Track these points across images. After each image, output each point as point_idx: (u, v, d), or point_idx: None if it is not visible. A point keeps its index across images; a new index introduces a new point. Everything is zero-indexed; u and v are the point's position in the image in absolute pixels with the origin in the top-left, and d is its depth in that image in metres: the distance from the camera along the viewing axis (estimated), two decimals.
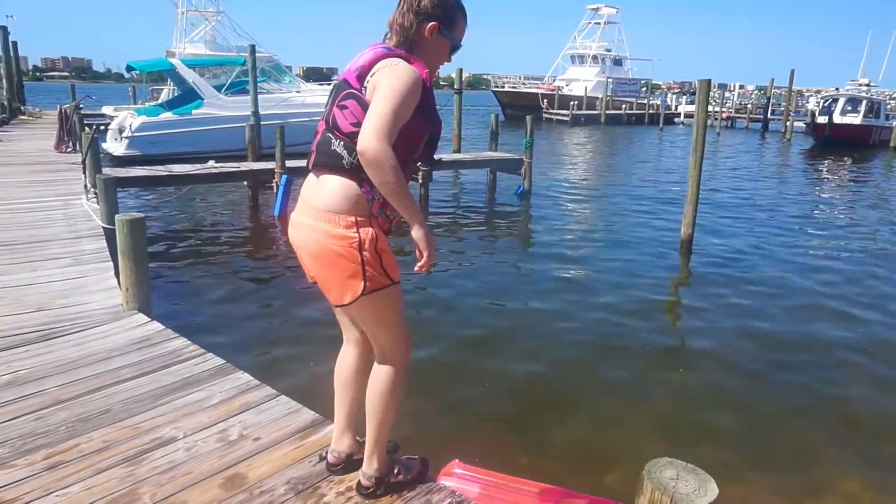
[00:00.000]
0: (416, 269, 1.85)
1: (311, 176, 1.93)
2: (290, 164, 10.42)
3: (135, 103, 22.84)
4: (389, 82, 1.72)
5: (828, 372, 5.18)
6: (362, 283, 1.82)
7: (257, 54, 15.89)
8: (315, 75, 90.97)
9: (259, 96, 15.53)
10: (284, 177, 10.12)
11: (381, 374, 2.01)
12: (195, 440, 2.45)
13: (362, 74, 1.80)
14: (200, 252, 8.27)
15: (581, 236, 9.72)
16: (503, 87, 47.32)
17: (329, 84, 27.85)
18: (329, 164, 1.83)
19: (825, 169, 21.62)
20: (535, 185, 12.96)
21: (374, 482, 2.09)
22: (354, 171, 1.78)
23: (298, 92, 20.03)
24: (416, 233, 1.81)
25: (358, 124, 1.74)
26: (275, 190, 10.25)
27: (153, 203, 11.14)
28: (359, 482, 2.12)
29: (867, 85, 34.53)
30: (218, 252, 8.31)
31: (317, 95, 20.77)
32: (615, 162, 21.54)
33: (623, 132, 35.55)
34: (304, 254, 1.93)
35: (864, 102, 29.03)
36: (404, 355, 2.01)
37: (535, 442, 3.90)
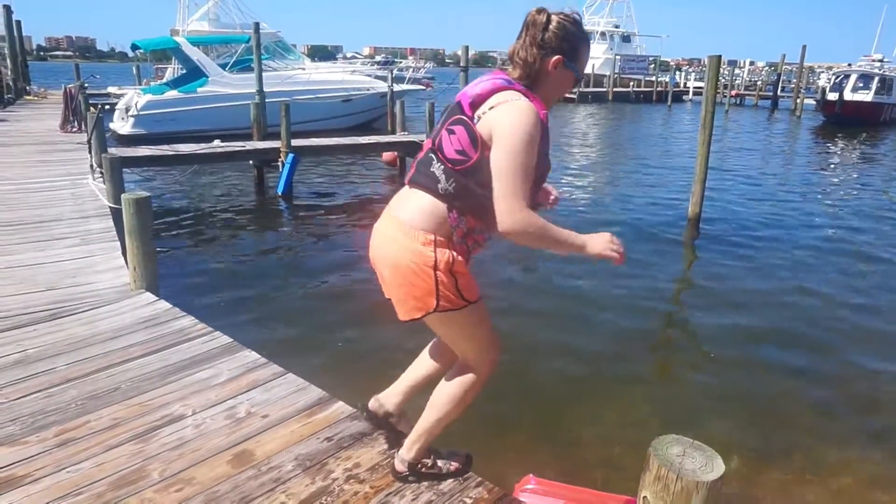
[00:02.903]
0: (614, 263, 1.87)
1: (404, 188, 1.89)
2: (295, 142, 10.39)
3: (139, 82, 22.75)
4: (511, 133, 1.66)
5: (836, 349, 5.16)
6: (436, 301, 1.77)
7: (262, 31, 15.76)
8: (320, 53, 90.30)
9: (264, 74, 15.44)
10: (291, 155, 10.09)
11: (457, 378, 1.97)
12: (203, 417, 2.47)
13: (476, 103, 1.74)
14: (207, 231, 8.29)
15: (587, 215, 9.67)
16: None
17: (334, 62, 27.68)
18: (424, 184, 1.79)
19: (834, 147, 21.36)
20: None
21: (408, 467, 2.07)
22: (448, 197, 1.75)
23: (303, 69, 19.91)
24: (593, 252, 1.81)
25: (462, 152, 1.72)
26: (280, 168, 10.23)
27: (159, 182, 11.15)
28: (393, 466, 2.11)
29: (880, 61, 33.92)
30: (224, 231, 8.32)
31: (322, 73, 20.64)
32: (622, 140, 21.36)
33: (631, 110, 35.19)
34: (380, 265, 1.87)
35: (877, 79, 28.56)
36: (487, 367, 1.96)
37: (570, 442, 3.88)
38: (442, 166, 1.75)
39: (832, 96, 28.48)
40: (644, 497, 1.84)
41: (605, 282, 6.48)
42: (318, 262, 7.04)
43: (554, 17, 1.78)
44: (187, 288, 5.85)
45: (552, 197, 2.09)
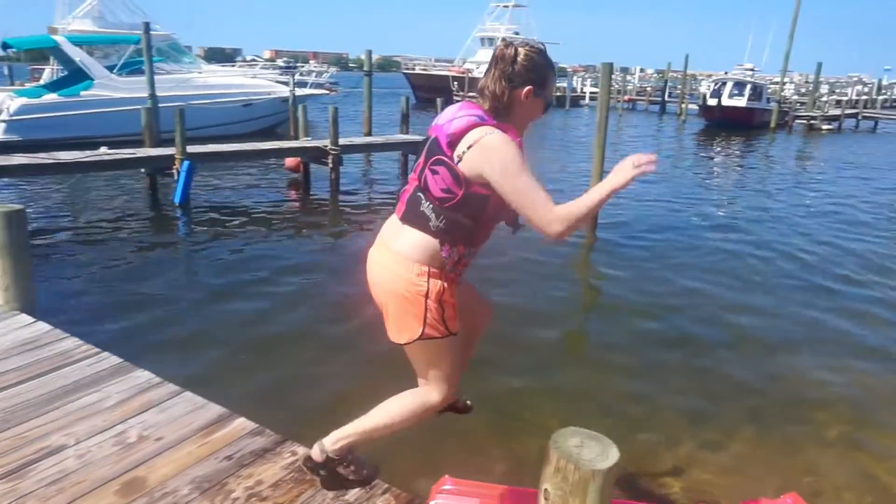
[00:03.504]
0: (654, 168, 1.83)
1: (394, 218, 1.98)
2: (191, 149, 9.89)
3: (12, 84, 20.88)
4: (503, 167, 1.76)
5: (719, 344, 5.57)
6: (421, 328, 1.88)
7: (153, 33, 14.93)
8: (217, 56, 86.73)
9: (156, 77, 14.63)
10: (186, 162, 9.61)
11: (410, 398, 2.03)
12: (88, 446, 2.29)
13: (453, 142, 1.82)
14: (93, 245, 7.72)
15: None
16: (414, 69, 47.06)
17: (233, 66, 26.69)
18: (416, 222, 1.89)
19: (715, 149, 23.12)
20: None
21: (325, 460, 2.02)
22: (439, 233, 1.86)
23: (200, 73, 19.07)
24: (625, 184, 1.77)
25: (448, 190, 1.82)
26: (175, 177, 9.72)
27: (37, 194, 10.28)
28: (308, 455, 2.06)
29: (751, 70, 37.02)
30: (113, 244, 7.79)
31: (219, 76, 19.85)
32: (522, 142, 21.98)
33: None
34: (375, 290, 1.99)
35: (749, 86, 31.10)
36: (447, 398, 2.04)
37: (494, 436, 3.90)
38: (430, 205, 1.85)
39: (712, 102, 30.70)
40: (545, 489, 1.89)
41: (505, 288, 6.62)
42: (219, 275, 6.74)
43: (521, 51, 1.88)
44: (71, 307, 5.43)
45: None
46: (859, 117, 35.32)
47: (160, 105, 13.71)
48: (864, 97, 43.23)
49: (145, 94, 13.94)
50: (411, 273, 1.86)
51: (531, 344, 5.27)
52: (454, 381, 2.03)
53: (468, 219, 1.85)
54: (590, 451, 1.87)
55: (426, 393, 2.02)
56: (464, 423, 3.88)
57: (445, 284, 1.88)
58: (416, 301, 1.86)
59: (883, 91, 50.63)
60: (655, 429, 4.03)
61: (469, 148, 1.79)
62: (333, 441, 2.04)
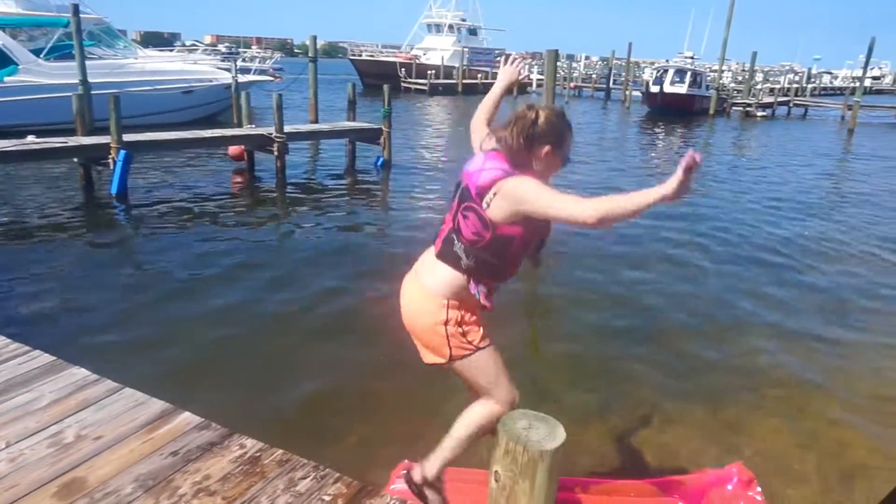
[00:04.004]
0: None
1: (431, 251, 2.21)
2: (127, 137, 9.49)
3: None
4: (525, 195, 1.95)
5: (667, 330, 5.76)
6: (448, 351, 2.13)
7: (83, 16, 14.19)
8: (154, 41, 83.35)
9: (89, 62, 13.95)
10: (123, 152, 9.21)
11: (478, 408, 2.23)
12: (20, 449, 2.18)
13: (482, 193, 2.02)
14: (22, 241, 7.33)
15: (439, 206, 9.89)
16: (361, 55, 46.41)
17: (171, 51, 25.73)
18: (448, 260, 2.12)
19: (658, 134, 23.77)
20: (394, 154, 12.93)
21: (421, 481, 2.28)
22: (470, 271, 2.08)
23: (136, 58, 18.30)
24: (672, 195, 1.77)
25: (478, 233, 2.04)
26: (111, 167, 9.31)
27: None
28: (412, 472, 2.33)
29: (691, 58, 38.11)
30: (44, 239, 7.42)
31: (157, 62, 19.11)
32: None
33: (479, 101, 36.37)
34: (406, 319, 2.23)
35: (689, 74, 32.04)
36: (503, 405, 2.18)
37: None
38: (462, 246, 2.07)
39: (654, 89, 31.49)
40: (496, 471, 1.93)
41: None
42: (160, 268, 6.52)
43: (542, 114, 2.07)
44: None
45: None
46: (791, 104, 36.92)
47: (93, 92, 13.08)
48: (796, 85, 45.23)
49: (76, 81, 13.28)
50: (435, 305, 2.10)
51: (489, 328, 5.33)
52: (511, 387, 2.22)
53: (495, 258, 2.05)
54: (537, 433, 1.91)
55: (489, 402, 2.22)
56: (426, 409, 3.92)
57: (463, 312, 2.10)
58: (436, 329, 2.10)
59: (812, 79, 53.10)
60: (603, 407, 4.14)
61: (494, 195, 2.00)
62: (431, 464, 2.29)
